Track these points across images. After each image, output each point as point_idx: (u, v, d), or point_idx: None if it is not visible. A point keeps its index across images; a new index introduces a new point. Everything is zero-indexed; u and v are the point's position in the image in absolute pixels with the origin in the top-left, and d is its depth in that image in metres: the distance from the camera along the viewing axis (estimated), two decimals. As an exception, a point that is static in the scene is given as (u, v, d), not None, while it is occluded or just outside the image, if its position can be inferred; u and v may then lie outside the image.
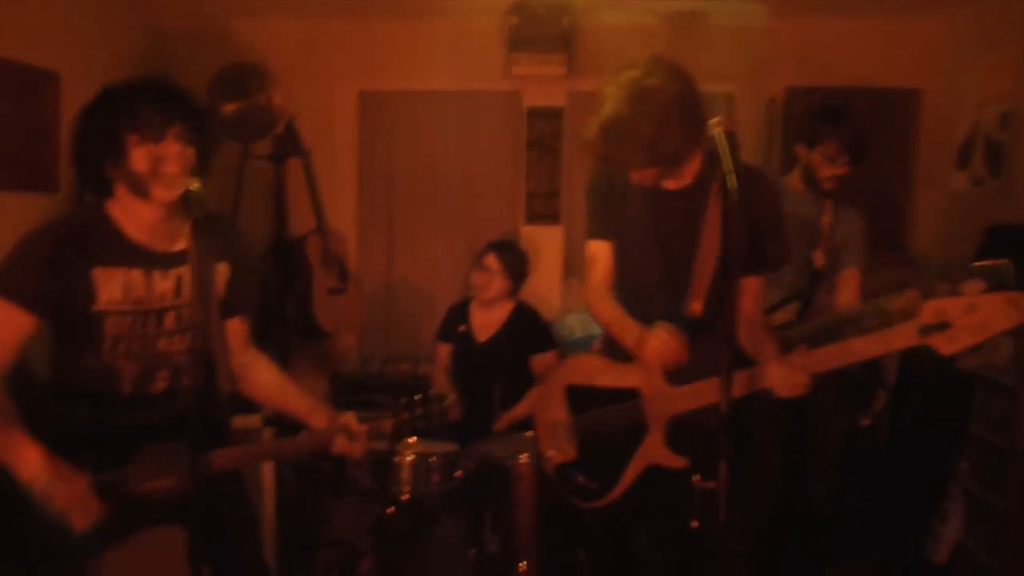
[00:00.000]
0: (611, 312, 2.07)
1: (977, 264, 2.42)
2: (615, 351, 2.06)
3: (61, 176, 3.36)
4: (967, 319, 1.60)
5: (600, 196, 2.06)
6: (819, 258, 2.77)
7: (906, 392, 3.58)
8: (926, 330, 1.63)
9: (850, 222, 2.83)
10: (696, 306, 1.90)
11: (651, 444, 1.97)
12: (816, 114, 2.77)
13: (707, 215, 1.86)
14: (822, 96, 3.05)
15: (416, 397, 1.90)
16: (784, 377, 1.77)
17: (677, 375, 1.92)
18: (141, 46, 4.10)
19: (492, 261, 3.51)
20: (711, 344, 1.76)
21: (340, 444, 1.86)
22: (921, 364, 3.54)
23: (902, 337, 1.66)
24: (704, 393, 1.84)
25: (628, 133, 1.70)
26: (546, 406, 2.17)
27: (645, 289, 2.03)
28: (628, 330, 2.01)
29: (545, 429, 2.19)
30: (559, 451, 2.13)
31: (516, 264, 3.56)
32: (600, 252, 2.09)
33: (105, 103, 1.69)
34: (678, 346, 1.91)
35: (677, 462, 1.94)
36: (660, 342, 1.92)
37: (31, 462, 1.59)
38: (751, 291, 1.95)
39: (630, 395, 1.99)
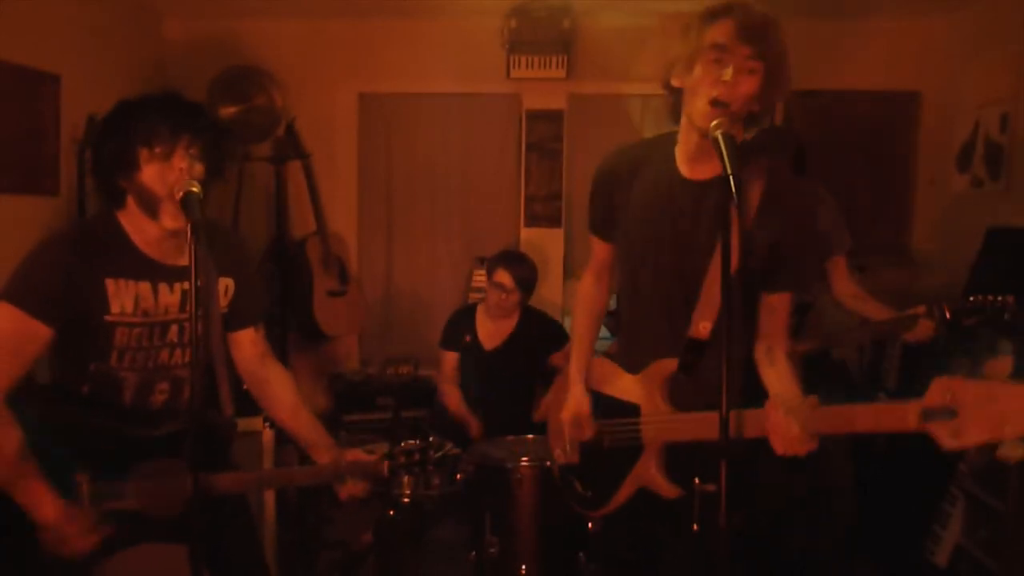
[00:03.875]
0: (578, 331, 2.06)
1: (974, 299, 2.46)
2: (625, 357, 1.94)
3: (62, 179, 3.37)
4: (980, 411, 1.27)
5: (606, 188, 1.89)
6: None
7: (906, 394, 3.58)
8: (929, 414, 1.33)
9: (824, 209, 2.84)
10: (704, 326, 1.70)
11: (644, 467, 1.82)
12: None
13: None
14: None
15: (415, 442, 1.91)
16: (782, 428, 1.52)
17: (681, 399, 1.76)
18: (141, 48, 4.10)
19: (506, 279, 3.43)
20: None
21: (349, 488, 1.89)
22: (921, 366, 3.54)
23: (900, 418, 1.39)
24: (703, 426, 1.56)
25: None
26: (557, 406, 2.10)
27: (652, 300, 1.83)
28: (577, 358, 2.01)
29: (555, 429, 2.11)
30: (563, 452, 2.05)
31: (528, 277, 3.50)
32: (597, 249, 2.01)
33: (119, 116, 1.70)
34: (583, 427, 1.94)
35: (669, 492, 1.78)
36: (570, 412, 1.96)
37: (48, 510, 1.63)
38: (773, 309, 1.74)
39: (635, 409, 1.85)
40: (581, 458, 2.01)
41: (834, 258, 2.88)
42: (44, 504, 1.63)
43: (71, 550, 1.64)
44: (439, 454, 1.89)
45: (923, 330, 2.59)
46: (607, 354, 2.04)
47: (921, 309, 2.59)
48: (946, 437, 1.31)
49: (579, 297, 2.07)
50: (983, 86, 3.82)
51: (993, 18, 3.83)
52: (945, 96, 4.17)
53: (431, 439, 1.89)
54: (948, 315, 2.53)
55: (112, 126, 1.69)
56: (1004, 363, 1.29)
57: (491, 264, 3.52)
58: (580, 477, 2.03)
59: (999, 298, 2.45)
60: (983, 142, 3.79)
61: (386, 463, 1.88)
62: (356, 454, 1.90)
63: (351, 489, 1.90)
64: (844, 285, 2.89)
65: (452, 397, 3.56)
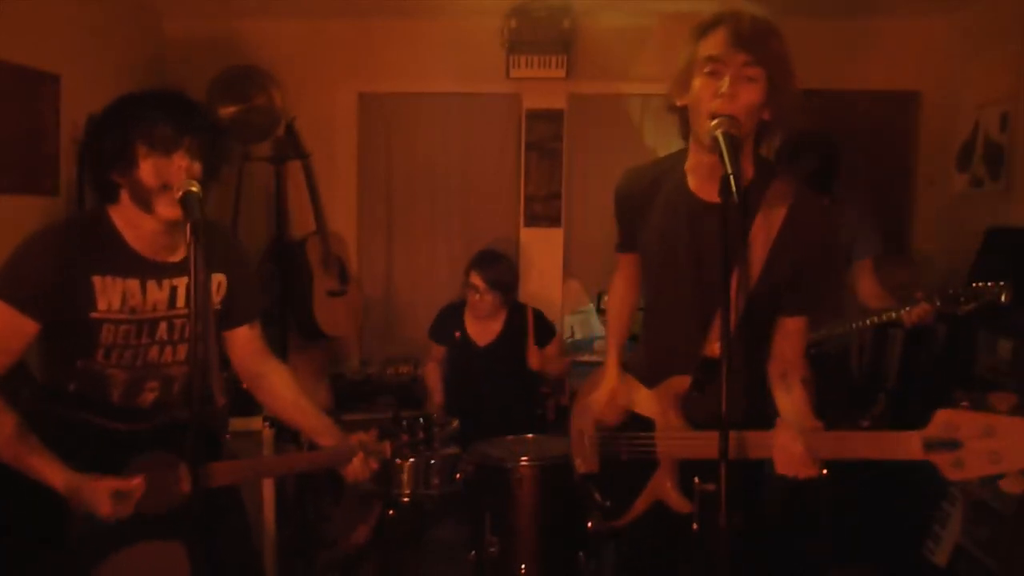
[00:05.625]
0: (611, 326, 2.08)
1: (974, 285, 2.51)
2: (642, 370, 1.94)
3: (62, 179, 3.37)
4: (982, 444, 1.32)
5: (625, 209, 1.89)
6: None
7: (906, 394, 3.58)
8: (931, 444, 1.37)
9: (848, 218, 2.88)
10: (716, 347, 1.65)
11: (659, 482, 1.81)
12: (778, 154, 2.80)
13: (749, 239, 1.65)
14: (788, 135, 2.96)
15: (419, 419, 1.90)
16: (788, 449, 1.54)
17: (696, 416, 1.77)
18: (141, 48, 4.10)
19: (478, 280, 3.47)
20: (738, 389, 1.53)
21: (355, 467, 1.89)
22: (921, 366, 3.55)
23: (904, 447, 1.41)
24: (716, 444, 1.50)
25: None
26: (578, 413, 2.11)
27: (670, 318, 1.85)
28: (611, 353, 2.03)
29: (575, 435, 2.12)
30: (583, 461, 2.05)
31: (500, 278, 3.51)
32: (622, 264, 2.03)
33: (120, 110, 1.69)
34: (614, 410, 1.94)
35: (682, 507, 1.77)
36: (598, 403, 1.97)
37: (58, 480, 1.62)
38: (789, 332, 1.73)
39: (651, 423, 1.85)
40: (602, 466, 2.01)
41: (861, 261, 2.89)
42: (53, 474, 1.62)
43: (100, 515, 1.62)
44: (444, 431, 1.88)
45: (920, 312, 2.63)
46: (625, 365, 2.03)
47: (919, 294, 2.63)
48: (949, 468, 1.35)
49: (610, 297, 2.11)
50: (983, 86, 3.82)
51: (993, 18, 3.83)
52: (945, 96, 4.17)
53: (434, 416, 1.88)
54: (943, 300, 2.57)
55: (111, 121, 1.68)
56: (1007, 398, 1.32)
57: (469, 265, 3.55)
58: (600, 487, 2.03)
59: (1000, 284, 2.49)
60: (983, 142, 3.79)
61: (389, 443, 1.88)
62: (361, 437, 1.91)
63: (356, 471, 1.89)
64: (869, 287, 2.91)
65: (432, 374, 3.68)
